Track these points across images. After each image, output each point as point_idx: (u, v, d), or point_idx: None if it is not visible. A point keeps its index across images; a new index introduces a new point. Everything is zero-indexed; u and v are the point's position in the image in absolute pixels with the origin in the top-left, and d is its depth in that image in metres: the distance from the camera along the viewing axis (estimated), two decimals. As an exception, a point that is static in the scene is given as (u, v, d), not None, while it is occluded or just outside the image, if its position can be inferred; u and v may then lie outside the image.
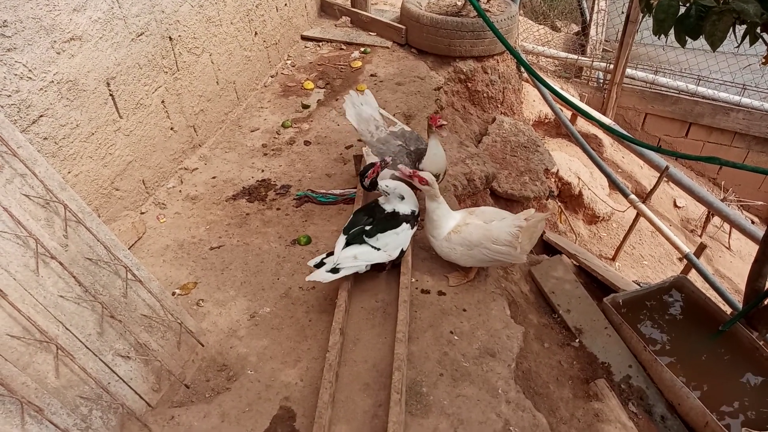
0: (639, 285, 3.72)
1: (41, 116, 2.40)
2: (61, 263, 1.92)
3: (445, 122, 2.67)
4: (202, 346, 2.34)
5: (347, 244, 2.43)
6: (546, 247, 4.04)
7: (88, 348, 1.98)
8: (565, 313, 2.94)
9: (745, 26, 2.13)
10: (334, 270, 2.35)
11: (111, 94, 2.78)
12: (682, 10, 2.12)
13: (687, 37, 2.16)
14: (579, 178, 5.92)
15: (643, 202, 5.17)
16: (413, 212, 2.56)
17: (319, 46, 5.02)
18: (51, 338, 1.81)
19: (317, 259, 2.42)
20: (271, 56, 4.50)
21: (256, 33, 4.18)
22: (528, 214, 2.45)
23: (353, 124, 2.93)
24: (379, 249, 2.43)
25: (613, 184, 5.43)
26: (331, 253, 2.42)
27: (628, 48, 6.56)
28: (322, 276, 2.33)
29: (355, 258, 2.38)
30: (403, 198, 2.53)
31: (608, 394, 2.56)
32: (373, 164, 2.61)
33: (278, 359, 2.28)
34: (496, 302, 2.53)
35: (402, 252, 2.53)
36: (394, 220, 2.49)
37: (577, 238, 5.69)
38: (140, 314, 2.18)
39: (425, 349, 2.27)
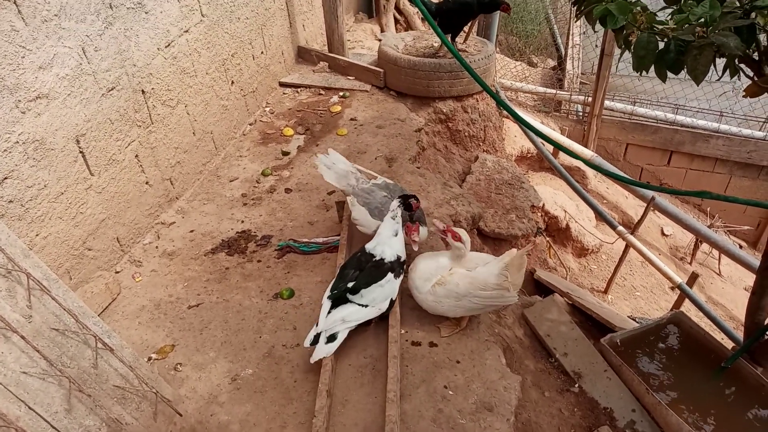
0: (635, 320, 3.63)
1: (5, 178, 2.29)
2: (23, 337, 1.78)
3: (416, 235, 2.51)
4: (181, 415, 2.19)
5: (333, 305, 2.32)
6: (537, 286, 3.95)
7: (54, 428, 1.82)
8: (562, 357, 2.83)
9: (725, 59, 2.11)
10: (331, 338, 2.25)
11: (81, 152, 2.68)
12: (661, 45, 2.09)
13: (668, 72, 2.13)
14: (565, 212, 5.88)
15: (631, 233, 5.13)
16: (399, 258, 2.46)
17: (297, 92, 4.99)
18: (11, 421, 1.67)
19: (311, 336, 2.28)
20: (249, 104, 4.45)
21: (232, 82, 4.14)
22: (510, 253, 2.36)
23: (333, 184, 2.89)
24: (366, 306, 2.33)
25: (600, 216, 5.39)
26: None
27: (605, 80, 6.64)
28: (325, 351, 2.24)
29: (344, 321, 2.28)
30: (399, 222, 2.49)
31: (613, 443, 2.43)
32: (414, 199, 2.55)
33: (262, 426, 2.13)
34: (490, 351, 2.42)
35: (392, 302, 2.43)
36: (378, 271, 2.38)
37: (568, 272, 5.61)
38: (112, 385, 2.03)
39: (419, 407, 2.14)
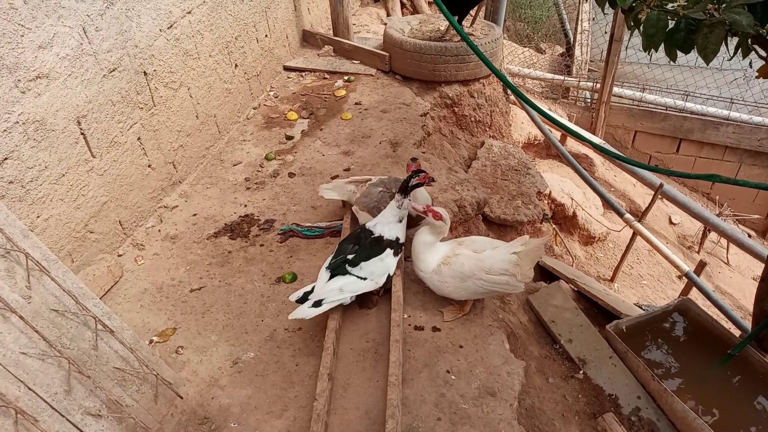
0: (641, 308, 3.59)
1: (6, 159, 2.27)
2: (22, 317, 1.77)
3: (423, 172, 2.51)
4: (181, 398, 2.18)
5: (332, 276, 2.33)
6: (543, 273, 3.91)
7: (53, 408, 1.81)
8: (567, 344, 2.80)
9: (736, 38, 2.05)
10: (317, 304, 2.23)
11: (82, 133, 2.66)
12: (671, 24, 2.04)
13: (678, 52, 2.08)
14: (572, 199, 5.83)
15: (639, 221, 5.07)
16: (398, 239, 2.48)
17: (302, 76, 4.94)
18: (9, 401, 1.66)
19: (299, 293, 2.29)
20: (252, 88, 4.41)
21: (236, 65, 4.10)
22: (523, 240, 2.34)
23: (337, 197, 3.01)
24: (365, 278, 2.33)
25: (608, 204, 5.34)
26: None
27: (614, 66, 6.54)
28: (306, 312, 2.22)
29: (341, 290, 2.28)
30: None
31: (617, 430, 2.40)
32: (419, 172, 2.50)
33: (263, 409, 2.12)
34: (494, 336, 2.40)
35: (389, 277, 2.43)
36: (378, 246, 2.40)
37: (574, 260, 5.57)
38: (112, 367, 2.02)
39: (421, 392, 2.12)
